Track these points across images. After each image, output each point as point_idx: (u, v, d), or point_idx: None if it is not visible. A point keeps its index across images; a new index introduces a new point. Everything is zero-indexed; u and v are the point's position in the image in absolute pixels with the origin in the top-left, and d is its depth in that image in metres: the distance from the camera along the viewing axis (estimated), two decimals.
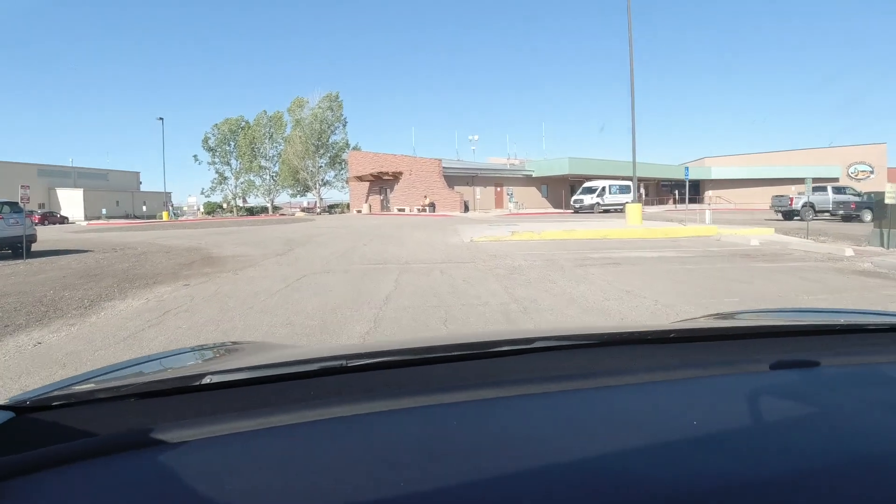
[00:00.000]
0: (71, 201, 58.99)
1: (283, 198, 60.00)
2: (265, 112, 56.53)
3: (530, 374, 0.79)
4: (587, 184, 36.84)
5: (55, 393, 0.69)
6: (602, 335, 0.94)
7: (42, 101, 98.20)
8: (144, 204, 67.08)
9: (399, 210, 39.23)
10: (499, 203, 40.27)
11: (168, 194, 77.25)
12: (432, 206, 36.33)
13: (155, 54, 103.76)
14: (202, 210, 58.42)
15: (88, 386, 0.77)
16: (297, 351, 1.13)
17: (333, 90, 51.86)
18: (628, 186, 38.84)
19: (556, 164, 40.56)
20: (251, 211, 57.90)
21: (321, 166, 52.07)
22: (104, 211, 49.97)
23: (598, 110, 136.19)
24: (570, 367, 0.83)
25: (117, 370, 0.99)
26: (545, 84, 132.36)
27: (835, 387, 0.80)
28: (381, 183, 42.00)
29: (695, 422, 0.66)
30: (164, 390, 0.72)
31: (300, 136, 49.95)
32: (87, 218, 53.21)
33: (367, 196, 44.15)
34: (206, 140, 57.20)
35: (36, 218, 46.27)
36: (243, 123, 57.34)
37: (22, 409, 0.65)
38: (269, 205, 58.17)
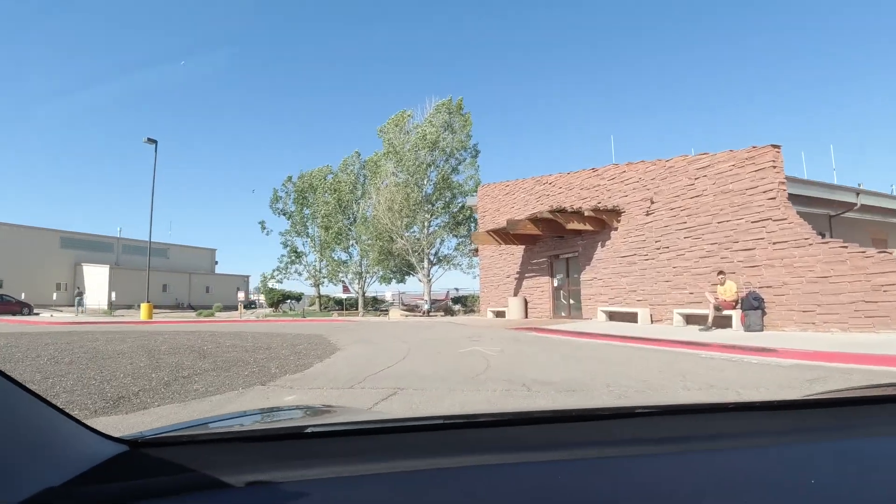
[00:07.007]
0: (97, 280, 43.50)
1: (388, 285, 38.05)
2: (358, 154, 36.58)
3: (632, 436, 0.83)
4: None
5: (167, 434, 0.79)
6: (703, 405, 0.96)
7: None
8: (207, 290, 50.30)
9: (608, 314, 14.21)
10: None
11: (245, 278, 60.07)
12: (758, 306, 10.43)
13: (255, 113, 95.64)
14: (258, 301, 38.40)
15: (198, 430, 0.88)
16: (391, 415, 1.20)
17: (455, 97, 28.92)
18: None
19: None
20: (342, 304, 37.31)
21: (434, 229, 29.24)
22: (114, 296, 31.79)
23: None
24: (669, 430, 0.85)
25: (223, 420, 1.14)
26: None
27: None
28: (555, 247, 17.50)
29: (812, 482, 0.67)
30: (267, 437, 0.81)
31: (397, 177, 28.13)
32: (111, 305, 36.26)
33: (520, 277, 19.47)
34: (275, 199, 38.00)
35: None
36: (330, 176, 37.61)
37: (136, 444, 0.73)
38: (358, 296, 36.49)
